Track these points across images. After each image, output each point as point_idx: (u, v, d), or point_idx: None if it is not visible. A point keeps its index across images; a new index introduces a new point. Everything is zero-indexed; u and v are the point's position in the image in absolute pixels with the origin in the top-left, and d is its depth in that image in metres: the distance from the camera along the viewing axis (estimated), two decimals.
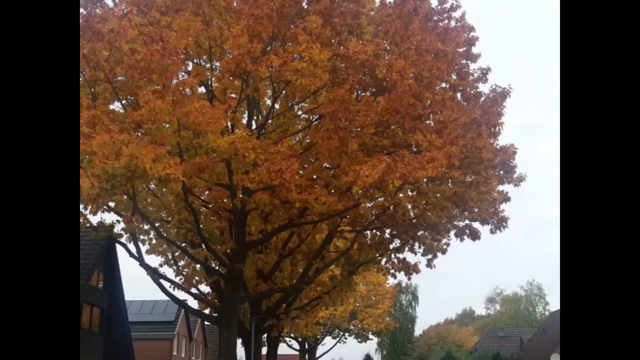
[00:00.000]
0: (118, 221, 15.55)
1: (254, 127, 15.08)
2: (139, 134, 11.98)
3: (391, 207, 14.84)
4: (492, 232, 15.83)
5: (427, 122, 13.74)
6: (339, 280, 18.63)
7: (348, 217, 15.88)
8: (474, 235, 16.11)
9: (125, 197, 13.77)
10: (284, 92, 14.29)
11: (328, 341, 49.97)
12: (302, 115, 15.93)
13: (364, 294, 43.25)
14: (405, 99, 12.24)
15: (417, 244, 17.12)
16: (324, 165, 14.27)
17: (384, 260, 18.36)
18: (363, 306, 44.15)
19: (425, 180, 13.23)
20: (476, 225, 16.06)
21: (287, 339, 44.25)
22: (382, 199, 15.11)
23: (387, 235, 17.20)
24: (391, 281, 39.53)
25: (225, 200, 14.98)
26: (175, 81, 11.69)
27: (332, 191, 13.61)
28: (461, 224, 16.18)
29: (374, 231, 17.21)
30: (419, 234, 16.54)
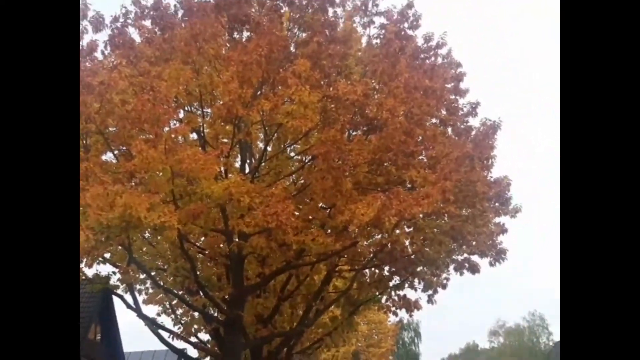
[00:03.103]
0: (114, 272, 15.42)
1: (247, 171, 15.10)
2: (133, 184, 11.98)
3: (389, 245, 14.76)
4: (491, 264, 15.74)
5: (420, 158, 13.80)
6: (340, 321, 18.38)
7: (346, 256, 15.77)
8: (474, 269, 16.01)
9: (120, 247, 13.68)
10: (275, 134, 14.36)
11: None
12: (295, 157, 15.97)
13: (365, 334, 42.66)
14: (396, 136, 12.31)
15: (416, 280, 16.97)
16: (319, 205, 14.23)
17: (385, 298, 18.15)
18: (365, 346, 43.49)
19: (421, 216, 13.21)
20: (475, 258, 15.99)
21: None
22: (379, 236, 15.04)
23: (386, 273, 17.06)
24: (392, 319, 39.07)
25: (221, 245, 14.87)
26: (167, 129, 11.74)
27: (329, 231, 13.55)
28: (460, 257, 16.09)
29: (373, 269, 17.07)
30: (418, 269, 16.40)
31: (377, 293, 17.87)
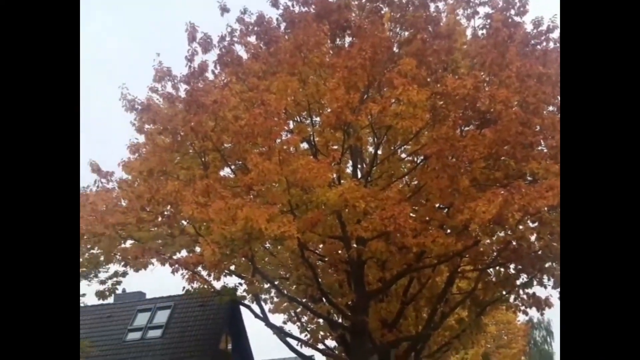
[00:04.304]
0: (240, 284, 15.94)
1: (359, 175, 15.06)
2: (251, 197, 12.31)
3: (513, 241, 14.12)
4: None
5: (540, 148, 13.12)
6: (467, 323, 17.83)
7: (468, 256, 15.28)
8: None
9: (244, 259, 14.09)
10: (385, 137, 14.23)
11: None
12: (407, 158, 15.74)
13: (495, 335, 41.15)
14: (512, 127, 11.79)
15: (545, 277, 16.13)
16: (436, 205, 13.92)
17: (512, 297, 17.42)
18: (495, 347, 41.99)
19: (546, 209, 12.53)
20: None
21: None
22: (503, 233, 14.44)
23: (512, 271, 16.34)
24: (522, 318, 37.45)
25: (340, 251, 14.92)
26: (278, 141, 11.97)
27: (449, 231, 13.20)
28: None
29: (498, 268, 16.41)
30: (547, 266, 15.55)
31: (504, 292, 17.16)
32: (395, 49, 14.01)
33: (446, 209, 14.02)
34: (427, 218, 13.66)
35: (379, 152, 15.07)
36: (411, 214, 12.70)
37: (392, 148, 15.06)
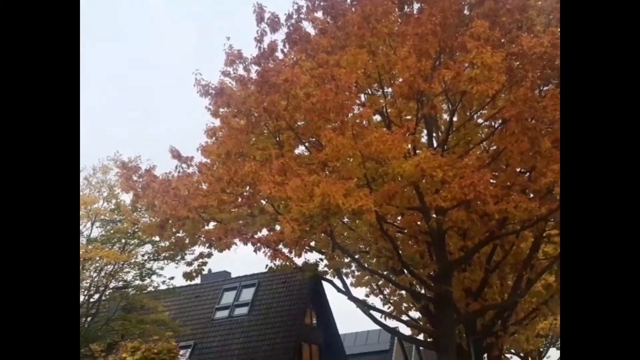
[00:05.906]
0: (321, 259, 16.10)
1: (435, 144, 14.78)
2: (327, 173, 12.34)
3: None
4: None
5: None
6: (555, 288, 17.34)
7: (553, 220, 14.79)
8: None
9: (323, 234, 14.20)
10: (460, 103, 13.87)
11: (552, 353, 46.80)
12: (484, 123, 15.31)
13: None
14: None
15: None
16: (517, 170, 13.51)
17: None
18: None
19: None
20: None
21: (508, 356, 42.14)
22: None
23: None
24: None
25: (419, 222, 14.77)
26: (351, 115, 11.89)
27: (532, 195, 12.80)
28: None
29: None
30: None
31: None
32: (465, 12, 13.59)
33: (528, 173, 13.57)
34: (509, 183, 13.30)
35: (455, 119, 14.73)
36: (491, 180, 12.41)
37: (468, 114, 14.69)
